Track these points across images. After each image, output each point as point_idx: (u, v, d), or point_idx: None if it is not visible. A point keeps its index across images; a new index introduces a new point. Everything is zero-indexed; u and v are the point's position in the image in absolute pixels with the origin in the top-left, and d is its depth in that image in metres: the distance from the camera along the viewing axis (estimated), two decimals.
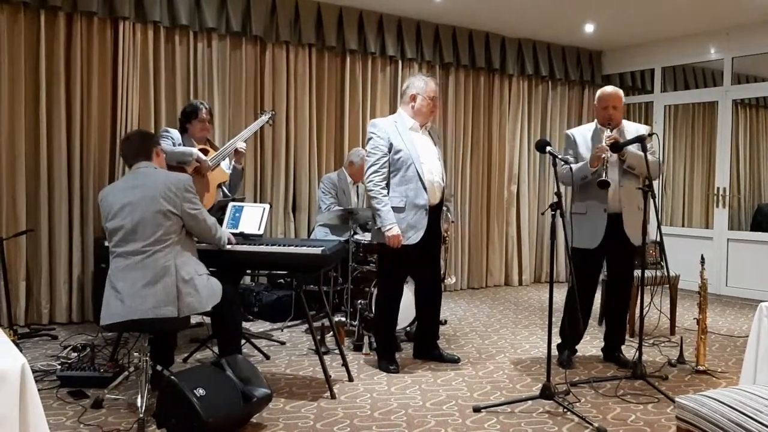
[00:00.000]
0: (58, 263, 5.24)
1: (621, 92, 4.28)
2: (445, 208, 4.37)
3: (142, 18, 5.45)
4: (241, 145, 4.55)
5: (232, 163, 4.65)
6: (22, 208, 5.07)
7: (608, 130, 4.13)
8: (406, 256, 4.13)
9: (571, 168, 4.06)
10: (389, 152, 4.13)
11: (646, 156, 3.89)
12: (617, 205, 4.14)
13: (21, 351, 2.59)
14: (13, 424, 1.81)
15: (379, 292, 4.33)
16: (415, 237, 4.11)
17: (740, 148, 7.62)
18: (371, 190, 4.12)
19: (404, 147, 4.13)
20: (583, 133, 4.35)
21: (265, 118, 4.85)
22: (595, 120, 4.35)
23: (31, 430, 1.86)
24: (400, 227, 4.06)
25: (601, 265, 4.37)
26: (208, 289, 3.30)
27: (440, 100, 7.05)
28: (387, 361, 4.20)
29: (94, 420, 3.25)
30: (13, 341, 4.01)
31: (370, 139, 4.20)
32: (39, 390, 2.00)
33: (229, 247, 3.61)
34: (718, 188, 7.26)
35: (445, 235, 4.50)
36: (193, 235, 3.39)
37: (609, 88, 4.30)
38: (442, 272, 4.64)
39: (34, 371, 3.80)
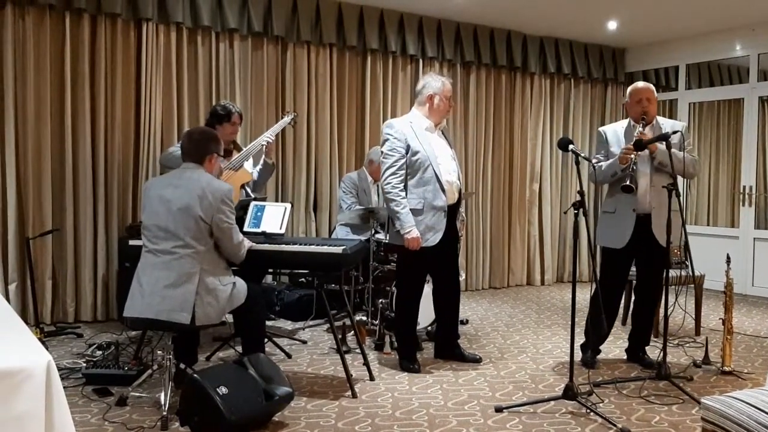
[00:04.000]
0: (84, 262, 5.30)
1: (652, 86, 4.25)
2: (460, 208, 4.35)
3: (165, 19, 5.49)
4: (268, 137, 4.57)
5: (262, 158, 4.68)
6: (47, 208, 5.14)
7: (640, 126, 4.05)
8: (425, 258, 4.12)
9: (599, 167, 4.00)
10: (407, 154, 4.10)
11: (670, 153, 3.84)
12: (647, 205, 4.05)
13: (47, 349, 2.62)
14: (39, 420, 1.83)
15: (400, 293, 4.33)
16: (433, 239, 4.09)
17: (767, 145, 7.49)
18: (389, 193, 4.08)
19: (422, 149, 4.10)
20: (615, 130, 4.27)
21: (287, 119, 4.87)
22: (628, 117, 4.30)
23: (57, 426, 1.88)
24: (419, 229, 4.04)
25: (629, 265, 4.27)
26: (230, 298, 3.31)
27: (461, 99, 7.07)
28: (408, 361, 4.19)
29: (119, 417, 3.29)
30: (40, 339, 4.08)
31: (386, 140, 4.16)
32: (65, 387, 2.02)
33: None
34: (744, 186, 7.15)
35: (461, 234, 4.48)
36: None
37: (640, 83, 4.30)
38: None
39: (60, 369, 3.86)
